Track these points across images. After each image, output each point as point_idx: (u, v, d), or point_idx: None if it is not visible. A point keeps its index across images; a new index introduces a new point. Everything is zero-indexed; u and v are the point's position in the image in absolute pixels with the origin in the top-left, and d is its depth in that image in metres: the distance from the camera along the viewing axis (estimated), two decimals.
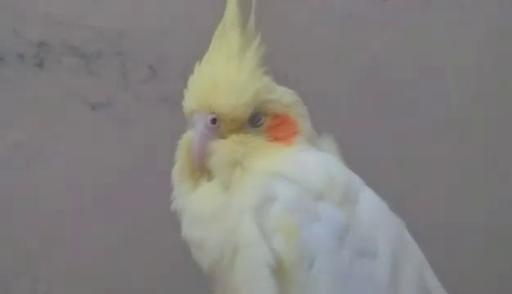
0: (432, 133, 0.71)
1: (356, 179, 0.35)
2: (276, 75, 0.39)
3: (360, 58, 0.68)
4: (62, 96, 0.62)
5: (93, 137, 0.63)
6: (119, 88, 0.63)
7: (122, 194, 0.64)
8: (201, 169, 0.34)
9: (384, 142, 0.71)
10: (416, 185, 0.70)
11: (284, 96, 0.35)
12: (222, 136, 0.34)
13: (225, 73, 0.34)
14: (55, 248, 0.63)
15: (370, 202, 0.34)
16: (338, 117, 0.66)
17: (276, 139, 0.35)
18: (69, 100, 0.62)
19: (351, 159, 0.41)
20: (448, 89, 0.74)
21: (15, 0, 0.61)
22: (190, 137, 0.35)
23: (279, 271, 0.31)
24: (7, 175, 0.62)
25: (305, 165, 0.33)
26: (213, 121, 0.34)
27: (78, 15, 0.62)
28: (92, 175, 0.63)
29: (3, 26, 0.60)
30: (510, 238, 0.72)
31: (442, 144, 0.75)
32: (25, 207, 0.62)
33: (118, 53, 0.62)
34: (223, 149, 0.34)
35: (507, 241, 0.72)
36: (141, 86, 0.63)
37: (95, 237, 0.64)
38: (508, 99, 0.74)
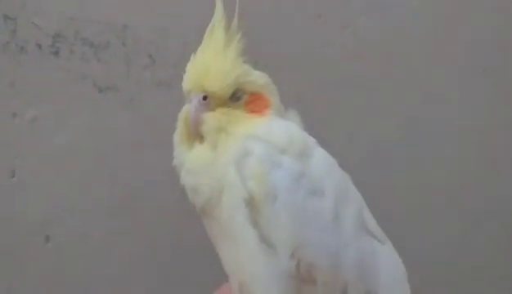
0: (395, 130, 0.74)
1: (311, 140, 0.43)
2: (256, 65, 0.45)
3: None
4: (74, 80, 0.67)
5: (100, 115, 0.68)
6: (122, 74, 0.68)
7: (122, 165, 0.68)
8: (196, 134, 0.42)
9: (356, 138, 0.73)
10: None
11: (259, 79, 0.43)
12: (212, 109, 0.42)
13: (214, 62, 0.41)
14: (67, 211, 0.67)
15: (320, 157, 0.42)
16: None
17: (252, 111, 0.43)
18: (80, 84, 0.67)
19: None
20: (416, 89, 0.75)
21: None
22: (187, 110, 0.42)
23: (251, 205, 0.39)
24: (26, 146, 0.66)
25: (272, 129, 0.41)
26: (205, 98, 0.41)
27: (89, 11, 0.66)
28: (98, 147, 0.68)
29: (24, 20, 0.65)
30: None
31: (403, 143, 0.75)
32: (42, 174, 0.66)
33: (122, 44, 0.67)
34: (212, 118, 0.41)
35: None
36: (142, 73, 0.68)
37: (97, 201, 0.68)
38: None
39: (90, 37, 0.67)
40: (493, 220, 0.78)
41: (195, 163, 0.42)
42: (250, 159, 0.40)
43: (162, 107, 0.63)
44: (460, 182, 0.77)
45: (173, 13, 0.67)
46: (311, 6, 0.71)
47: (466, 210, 0.78)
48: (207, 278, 0.49)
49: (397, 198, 0.75)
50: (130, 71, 0.68)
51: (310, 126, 0.48)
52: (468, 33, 0.75)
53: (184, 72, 0.45)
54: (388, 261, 0.44)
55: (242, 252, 0.40)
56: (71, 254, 0.68)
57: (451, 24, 0.75)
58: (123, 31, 0.68)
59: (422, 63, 0.75)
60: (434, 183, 0.76)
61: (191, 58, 0.43)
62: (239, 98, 0.42)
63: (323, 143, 0.47)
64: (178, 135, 0.43)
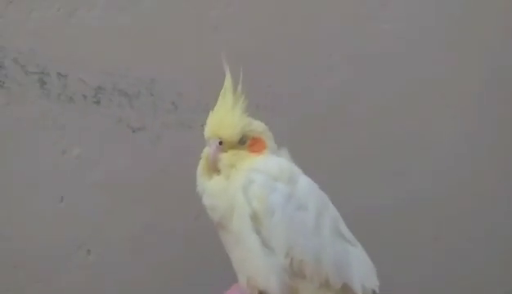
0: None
1: (297, 170, 0.52)
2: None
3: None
4: (112, 124, 0.72)
5: (133, 151, 0.73)
6: (151, 117, 0.73)
7: (151, 191, 0.73)
8: (214, 169, 0.51)
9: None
10: None
11: (258, 127, 0.53)
12: (225, 151, 0.51)
13: (226, 117, 0.51)
14: (105, 229, 0.73)
15: (304, 182, 0.51)
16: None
17: (253, 151, 0.52)
18: (117, 126, 0.72)
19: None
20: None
21: (80, 58, 0.71)
22: (207, 151, 0.51)
23: (255, 219, 0.48)
24: (72, 177, 0.71)
25: (268, 164, 0.50)
26: (220, 143, 0.50)
27: (123, 68, 0.72)
28: (131, 176, 0.73)
29: (73, 77, 0.71)
30: None
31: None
32: (85, 199, 0.71)
33: (150, 94, 0.73)
34: (226, 158, 0.50)
35: None
36: (167, 116, 0.73)
37: (128, 221, 0.72)
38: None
39: (124, 88, 0.72)
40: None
41: (214, 189, 0.51)
42: (253, 186, 0.49)
43: (183, 144, 0.71)
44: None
45: (191, 68, 0.72)
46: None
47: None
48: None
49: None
50: (157, 115, 0.73)
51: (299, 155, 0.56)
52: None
53: (201, 117, 0.53)
54: (358, 259, 0.52)
55: (249, 254, 0.48)
56: (108, 264, 0.73)
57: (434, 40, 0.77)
58: (151, 83, 0.73)
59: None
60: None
61: (210, 114, 0.52)
62: (244, 142, 0.52)
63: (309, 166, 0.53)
64: (201, 169, 0.52)
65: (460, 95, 0.77)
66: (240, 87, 0.52)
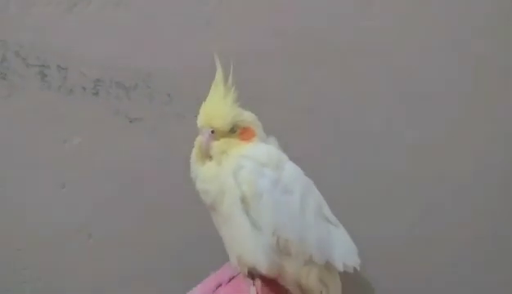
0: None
1: (284, 157, 0.56)
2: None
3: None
4: (111, 114, 0.74)
5: (131, 140, 0.74)
6: (147, 109, 0.74)
7: (148, 177, 0.74)
8: (206, 156, 0.55)
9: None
10: None
11: (248, 117, 0.56)
12: (217, 139, 0.54)
13: (217, 107, 0.54)
14: (105, 214, 0.74)
15: (290, 168, 0.55)
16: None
17: (243, 139, 0.55)
18: (115, 117, 0.74)
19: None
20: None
21: (80, 51, 0.72)
22: (200, 139, 0.55)
23: (245, 202, 0.52)
24: (73, 164, 0.73)
25: (257, 151, 0.54)
26: (212, 132, 0.54)
27: (121, 61, 0.73)
28: (129, 164, 0.74)
29: (73, 69, 0.73)
30: None
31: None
32: (85, 185, 0.73)
33: (147, 86, 0.74)
34: (218, 145, 0.54)
35: None
36: (163, 107, 0.74)
37: (128, 206, 0.74)
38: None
39: (122, 81, 0.73)
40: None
41: (206, 175, 0.54)
42: (243, 171, 0.52)
43: (178, 133, 0.72)
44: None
45: (186, 62, 0.73)
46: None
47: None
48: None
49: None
50: (153, 106, 0.74)
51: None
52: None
53: (195, 107, 0.56)
54: (339, 239, 0.56)
55: (239, 234, 0.53)
56: (108, 248, 0.75)
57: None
58: (147, 76, 0.74)
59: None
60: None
61: (202, 104, 0.55)
62: (235, 131, 0.55)
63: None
64: (194, 156, 0.56)
65: (451, 94, 0.78)
66: (230, 79, 0.55)
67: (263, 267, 0.53)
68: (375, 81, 0.77)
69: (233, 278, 0.57)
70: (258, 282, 0.55)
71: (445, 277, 0.77)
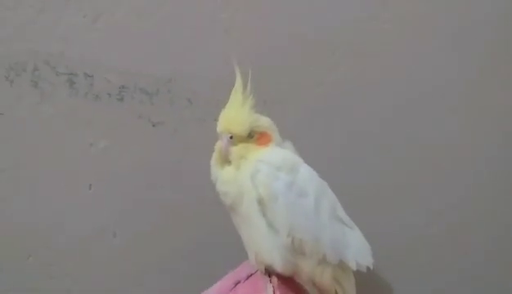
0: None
1: (298, 160, 0.57)
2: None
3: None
4: (134, 118, 0.76)
5: (153, 143, 0.77)
6: (169, 113, 0.77)
7: (169, 178, 0.76)
8: (226, 160, 0.57)
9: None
10: None
11: (264, 123, 0.58)
12: (235, 144, 0.56)
13: (236, 114, 0.56)
14: (129, 214, 0.77)
15: (305, 171, 0.56)
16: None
17: (260, 144, 0.57)
18: (138, 121, 0.77)
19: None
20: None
21: (105, 59, 0.75)
22: (219, 145, 0.57)
23: (261, 203, 0.53)
24: (99, 167, 0.76)
25: (273, 155, 0.56)
26: (231, 137, 0.56)
27: (144, 68, 0.76)
28: (153, 166, 0.76)
29: (99, 76, 0.75)
30: None
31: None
32: (111, 187, 0.76)
33: (168, 91, 0.77)
34: (236, 150, 0.56)
35: None
36: (183, 112, 0.77)
37: (152, 206, 0.76)
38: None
39: (145, 87, 0.76)
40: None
41: (226, 178, 0.56)
42: (259, 174, 0.54)
43: (198, 136, 0.75)
44: None
45: (205, 68, 0.76)
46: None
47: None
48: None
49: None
50: (174, 111, 0.77)
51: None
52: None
53: (214, 112, 0.59)
54: (353, 239, 0.58)
55: (256, 234, 0.55)
56: (133, 247, 0.77)
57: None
58: (168, 82, 0.77)
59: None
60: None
61: (222, 111, 0.58)
62: (252, 136, 0.57)
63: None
64: (214, 160, 0.59)
65: (461, 96, 0.79)
66: (248, 87, 0.57)
67: (279, 266, 0.55)
68: (388, 82, 0.79)
69: (251, 275, 0.59)
70: (275, 279, 0.57)
71: (452, 277, 0.79)
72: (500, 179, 0.79)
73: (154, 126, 0.77)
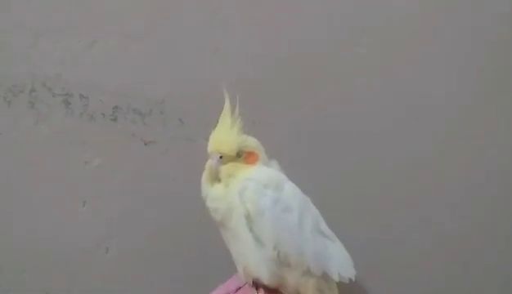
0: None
1: (283, 178, 0.59)
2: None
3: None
4: (127, 137, 0.78)
5: (146, 161, 0.78)
6: (161, 132, 0.78)
7: (161, 195, 0.77)
8: (215, 178, 0.59)
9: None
10: None
11: (252, 143, 0.60)
12: (224, 163, 0.58)
13: (225, 135, 0.58)
14: (121, 229, 0.78)
15: (289, 188, 0.59)
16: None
17: (248, 163, 0.59)
18: (131, 140, 0.78)
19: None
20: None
21: (100, 81, 0.76)
22: (210, 163, 0.59)
23: (249, 219, 0.56)
24: (93, 184, 0.77)
25: (260, 174, 0.58)
26: (220, 157, 0.58)
27: (137, 90, 0.77)
28: (145, 183, 0.78)
29: (94, 97, 0.77)
30: None
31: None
32: (104, 203, 0.77)
33: (161, 112, 0.78)
34: (225, 169, 0.58)
35: None
36: (175, 131, 0.78)
37: (143, 222, 0.78)
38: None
39: (138, 107, 0.78)
40: None
41: (216, 195, 0.59)
42: (247, 191, 0.57)
43: (189, 155, 0.76)
44: None
45: (195, 89, 0.78)
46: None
47: None
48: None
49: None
50: (166, 130, 0.78)
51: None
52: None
53: (204, 131, 0.61)
54: (335, 252, 0.61)
55: (244, 248, 0.57)
56: (125, 262, 0.78)
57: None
58: (161, 103, 0.78)
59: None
60: None
61: (212, 132, 0.60)
62: (240, 155, 0.59)
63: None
64: (204, 178, 0.60)
65: (446, 120, 0.81)
66: (236, 110, 0.60)
67: (265, 278, 0.58)
68: (374, 104, 0.81)
69: (240, 288, 0.61)
70: (262, 292, 0.59)
71: (438, 283, 0.80)
72: (495, 187, 0.80)
73: (146, 145, 0.79)
